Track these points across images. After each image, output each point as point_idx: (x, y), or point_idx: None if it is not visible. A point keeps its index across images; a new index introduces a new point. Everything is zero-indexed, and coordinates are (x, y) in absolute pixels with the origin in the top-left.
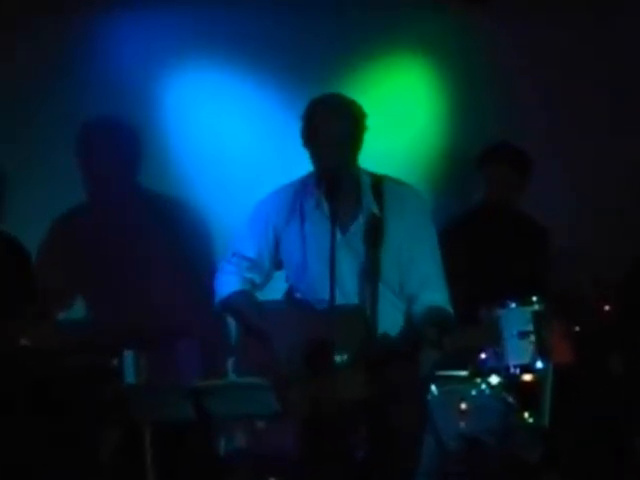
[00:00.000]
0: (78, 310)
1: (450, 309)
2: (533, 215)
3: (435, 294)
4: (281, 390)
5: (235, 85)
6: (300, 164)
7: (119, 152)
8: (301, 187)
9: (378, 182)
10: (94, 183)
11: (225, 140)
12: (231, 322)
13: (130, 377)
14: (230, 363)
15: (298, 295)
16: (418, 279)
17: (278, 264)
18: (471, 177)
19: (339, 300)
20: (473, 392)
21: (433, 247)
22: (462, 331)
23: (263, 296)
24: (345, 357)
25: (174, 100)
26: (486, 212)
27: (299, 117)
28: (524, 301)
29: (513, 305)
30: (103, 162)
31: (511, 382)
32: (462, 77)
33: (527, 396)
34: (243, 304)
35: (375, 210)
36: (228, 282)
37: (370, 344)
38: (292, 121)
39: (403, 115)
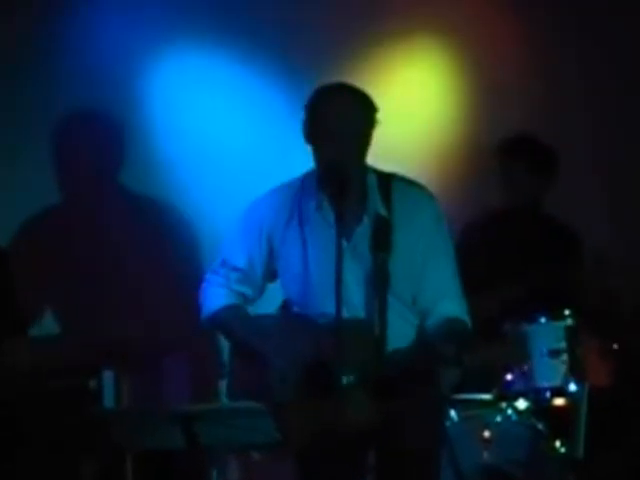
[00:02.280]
0: (48, 325)
1: (467, 321)
2: (563, 218)
3: (451, 305)
4: (280, 416)
5: (228, 72)
6: (302, 161)
7: (100, 147)
8: (300, 187)
9: (386, 181)
10: (70, 182)
11: (217, 134)
12: (223, 339)
13: (110, 400)
14: (222, 385)
15: (295, 309)
16: (432, 291)
17: (272, 275)
18: (491, 174)
19: (344, 314)
20: (498, 418)
21: (448, 254)
22: (483, 347)
23: (254, 310)
24: (351, 378)
25: (159, 89)
26: (508, 214)
27: (301, 108)
28: (555, 315)
29: (543, 320)
30: (81, 158)
31: (541, 407)
32: (483, 61)
33: (559, 423)
34: (234, 320)
35: (382, 211)
36: (215, 296)
37: (379, 363)
38: (292, 112)
39: (416, 104)
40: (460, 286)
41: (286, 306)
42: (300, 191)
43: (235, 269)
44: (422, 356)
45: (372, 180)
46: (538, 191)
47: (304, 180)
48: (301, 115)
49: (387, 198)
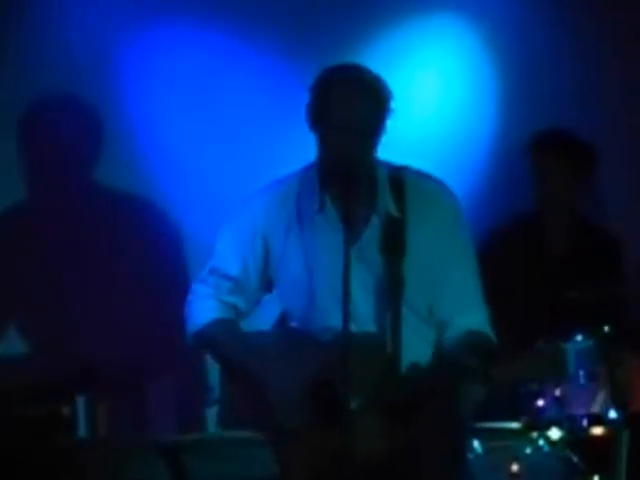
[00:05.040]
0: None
1: (491, 333)
2: (601, 223)
3: (472, 316)
4: (279, 446)
5: (222, 51)
6: (303, 156)
7: (72, 138)
8: (298, 183)
9: (398, 175)
10: (38, 177)
11: (208, 124)
12: (211, 359)
13: (84, 430)
14: (210, 413)
15: (294, 324)
16: (451, 300)
17: (267, 284)
18: (521, 174)
19: (350, 327)
20: (528, 450)
21: (469, 258)
22: (515, 359)
23: (247, 326)
24: (361, 401)
25: (139, 71)
26: (540, 219)
27: (304, 92)
28: (592, 332)
29: (579, 337)
30: (50, 151)
31: (576, 437)
32: (514, 46)
33: (597, 455)
34: (224, 337)
35: (394, 211)
36: (204, 308)
37: (392, 384)
38: (295, 100)
39: (435, 93)
40: (482, 295)
41: (283, 321)
42: (298, 188)
43: (226, 277)
44: (442, 374)
45: (382, 175)
46: (575, 193)
47: (302, 176)
48: (304, 100)
49: (399, 195)
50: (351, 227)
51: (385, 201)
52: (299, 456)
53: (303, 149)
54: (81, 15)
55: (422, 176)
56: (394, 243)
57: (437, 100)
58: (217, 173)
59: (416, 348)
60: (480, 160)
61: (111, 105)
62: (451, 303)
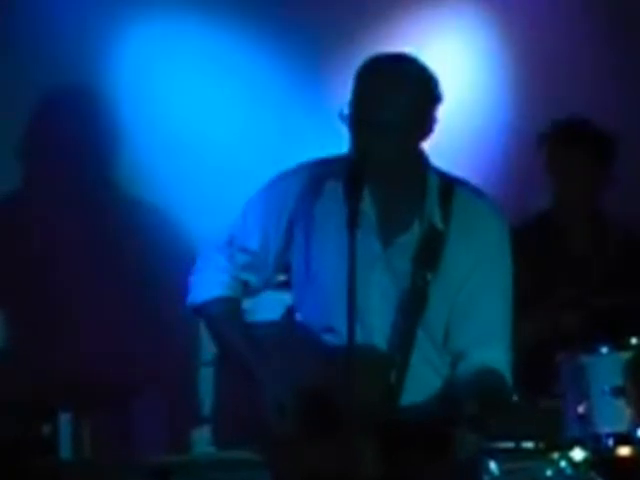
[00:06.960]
0: None
1: (508, 375)
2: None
3: (493, 352)
4: (272, 455)
5: (219, 41)
6: (307, 152)
7: (82, 131)
8: (338, 170)
9: (449, 187)
10: (42, 170)
11: (207, 117)
12: (207, 372)
13: (67, 450)
14: (205, 430)
15: (299, 316)
16: (475, 332)
17: (284, 267)
18: (536, 167)
19: (357, 335)
20: (548, 472)
21: (506, 289)
22: (513, 415)
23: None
24: (357, 420)
25: (133, 62)
26: (558, 217)
27: (308, 87)
28: (619, 344)
29: (604, 350)
30: (59, 144)
31: (602, 457)
32: (529, 32)
33: (624, 477)
34: (226, 321)
35: (438, 222)
36: (212, 281)
37: (391, 410)
38: (295, 94)
39: (447, 83)
40: (509, 330)
41: (290, 314)
42: (338, 177)
43: (244, 250)
44: (439, 418)
45: (433, 183)
46: (596, 188)
47: (342, 161)
48: (307, 96)
49: (446, 207)
50: (386, 230)
51: (431, 210)
52: (292, 462)
53: (304, 148)
54: (78, 8)
55: (475, 193)
56: (429, 256)
57: (448, 90)
58: (217, 173)
59: (423, 377)
60: (492, 152)
61: (100, 93)
62: (474, 335)
